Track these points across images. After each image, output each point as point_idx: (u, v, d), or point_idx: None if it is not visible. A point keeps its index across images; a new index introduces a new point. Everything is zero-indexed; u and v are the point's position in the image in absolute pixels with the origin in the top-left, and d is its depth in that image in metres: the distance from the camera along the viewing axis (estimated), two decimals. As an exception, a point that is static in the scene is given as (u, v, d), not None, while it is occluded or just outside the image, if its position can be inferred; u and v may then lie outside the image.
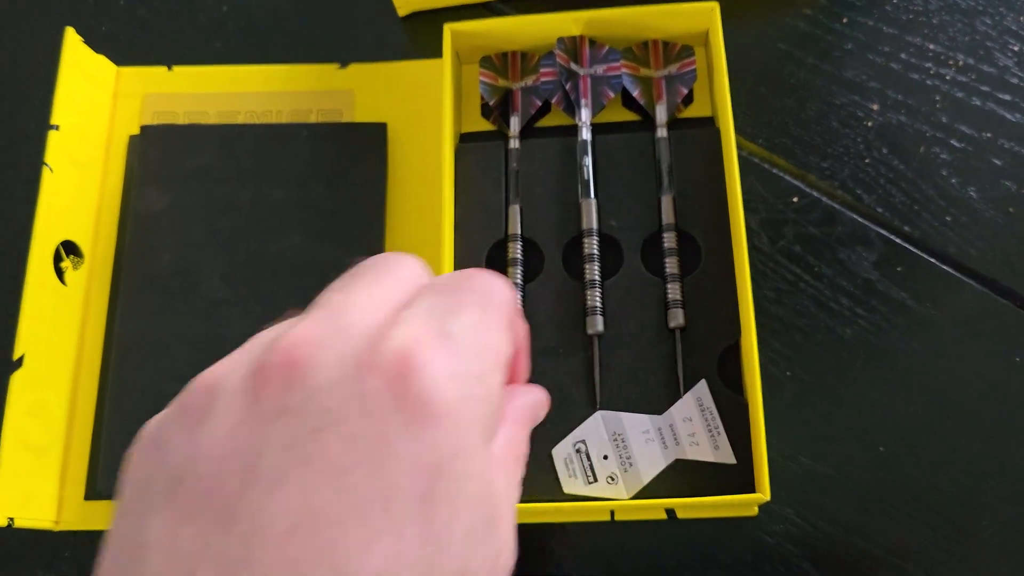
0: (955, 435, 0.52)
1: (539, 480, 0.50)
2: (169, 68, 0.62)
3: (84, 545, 0.54)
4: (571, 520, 0.52)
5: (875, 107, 0.58)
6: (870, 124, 0.58)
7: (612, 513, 0.51)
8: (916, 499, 0.51)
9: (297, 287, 0.55)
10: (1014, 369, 0.53)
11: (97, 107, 0.60)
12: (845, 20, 0.61)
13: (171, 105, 0.61)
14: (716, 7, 0.55)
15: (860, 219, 0.56)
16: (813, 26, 0.61)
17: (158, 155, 0.58)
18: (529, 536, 0.52)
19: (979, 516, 0.50)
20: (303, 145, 0.58)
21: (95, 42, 0.60)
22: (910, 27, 0.60)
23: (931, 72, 0.59)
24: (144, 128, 0.59)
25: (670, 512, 0.50)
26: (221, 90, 0.61)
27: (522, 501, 0.49)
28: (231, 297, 0.55)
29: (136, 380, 0.53)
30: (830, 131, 0.58)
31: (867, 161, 0.57)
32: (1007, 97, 0.58)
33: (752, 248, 0.56)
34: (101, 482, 0.52)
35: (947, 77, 0.59)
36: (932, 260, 0.55)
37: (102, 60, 0.61)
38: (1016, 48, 0.59)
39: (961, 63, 0.59)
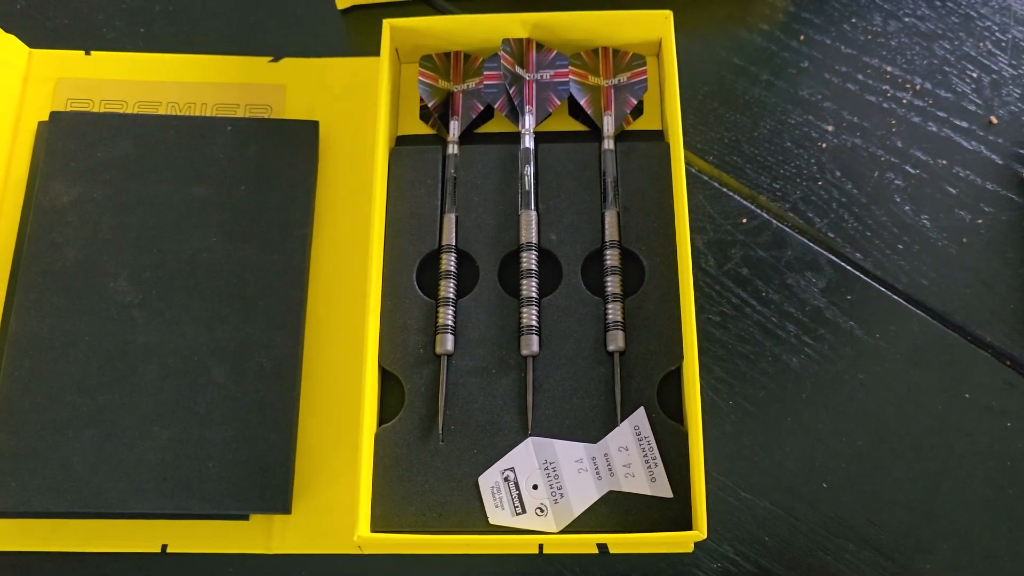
0: (901, 471, 0.50)
1: (463, 509, 0.47)
2: (87, 52, 0.58)
3: (-37, 567, 0.49)
4: (496, 552, 0.48)
5: (829, 128, 0.56)
6: (824, 145, 0.56)
7: (541, 547, 0.48)
8: (859, 538, 0.49)
9: (212, 291, 0.51)
10: (962, 404, 0.51)
11: (5, 90, 0.55)
12: (802, 37, 0.59)
13: (87, 92, 0.57)
14: (670, 15, 0.53)
15: (810, 243, 0.54)
16: (769, 41, 0.58)
17: (67, 144, 0.54)
18: (451, 567, 0.49)
19: (923, 557, 0.48)
20: (227, 140, 0.54)
21: (7, 20, 0.56)
22: (868, 48, 0.58)
23: (888, 95, 0.57)
24: (53, 114, 0.54)
25: (602, 547, 0.47)
26: (142, 78, 0.57)
27: (444, 532, 0.46)
28: (139, 300, 0.51)
29: (30, 387, 0.49)
30: (783, 151, 0.56)
31: (820, 184, 0.55)
32: (964, 124, 0.56)
33: (698, 269, 0.53)
34: (-16, 498, 0.47)
35: (904, 101, 0.57)
36: (882, 289, 0.53)
37: (12, 40, 0.56)
38: (974, 75, 0.57)
39: (918, 87, 0.57)
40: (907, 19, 0.59)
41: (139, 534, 0.49)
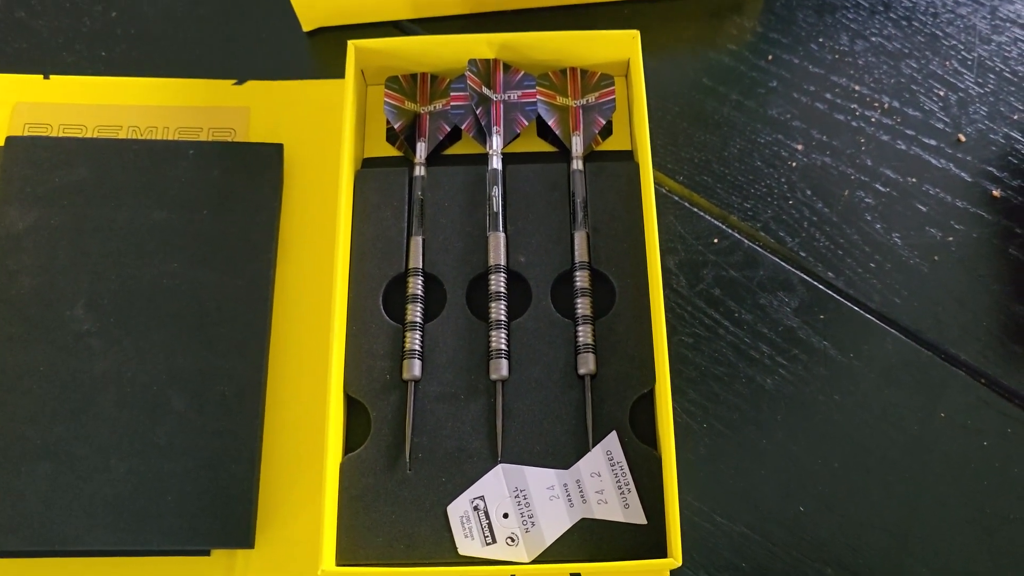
0: (877, 493, 0.49)
1: (432, 540, 0.45)
2: (46, 76, 0.56)
3: (-91, 609, 0.47)
4: (467, 584, 0.47)
5: (799, 147, 0.56)
6: (794, 164, 0.56)
7: (512, 577, 0.46)
8: (838, 562, 0.48)
9: (172, 318, 0.50)
10: (938, 423, 0.50)
11: (-41, 114, 0.54)
12: (770, 57, 0.58)
13: (45, 116, 0.55)
14: (637, 35, 0.53)
15: (782, 263, 0.54)
16: (738, 61, 0.58)
17: (24, 170, 0.52)
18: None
19: (901, 581, 0.47)
20: (189, 164, 0.53)
21: (-39, 43, 0.55)
22: (836, 67, 0.58)
23: (856, 113, 0.57)
24: (9, 139, 0.53)
25: (575, 576, 0.46)
26: (102, 102, 0.56)
27: (412, 563, 0.45)
28: (96, 328, 0.49)
29: (-18, 420, 0.47)
30: (753, 170, 0.56)
31: (790, 203, 0.55)
32: (932, 142, 0.56)
33: (669, 290, 0.53)
34: (-68, 538, 0.45)
35: (872, 119, 0.57)
36: (855, 308, 0.53)
37: (-32, 63, 0.55)
38: (941, 92, 0.57)
39: (887, 105, 0.57)
40: (873, 38, 0.59)
41: (95, 573, 0.47)
